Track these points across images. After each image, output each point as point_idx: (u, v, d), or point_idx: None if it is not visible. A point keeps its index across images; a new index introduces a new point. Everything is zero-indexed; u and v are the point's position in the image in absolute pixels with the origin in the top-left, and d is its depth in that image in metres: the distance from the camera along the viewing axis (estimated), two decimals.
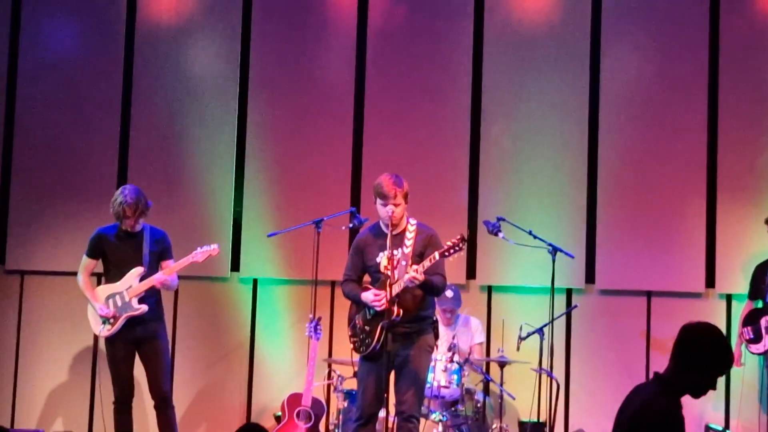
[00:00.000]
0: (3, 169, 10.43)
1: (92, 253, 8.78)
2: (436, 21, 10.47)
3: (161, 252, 8.69)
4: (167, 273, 8.54)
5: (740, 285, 9.64)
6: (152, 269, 8.59)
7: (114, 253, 8.69)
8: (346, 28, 10.48)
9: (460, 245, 7.67)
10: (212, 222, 10.11)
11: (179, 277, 8.88)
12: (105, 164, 10.40)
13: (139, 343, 8.62)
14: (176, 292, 8.95)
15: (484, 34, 10.38)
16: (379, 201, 7.78)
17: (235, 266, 10.22)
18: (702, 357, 4.84)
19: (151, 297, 8.62)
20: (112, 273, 8.69)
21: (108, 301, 8.55)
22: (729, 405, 9.97)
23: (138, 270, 8.54)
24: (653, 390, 4.95)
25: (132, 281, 8.55)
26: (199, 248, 8.68)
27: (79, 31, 10.64)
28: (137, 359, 8.68)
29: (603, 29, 10.32)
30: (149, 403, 8.73)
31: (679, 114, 10.22)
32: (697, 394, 4.96)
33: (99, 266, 8.82)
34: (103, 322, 8.56)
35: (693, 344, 4.89)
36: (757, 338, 9.13)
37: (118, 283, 8.60)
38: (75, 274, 10.03)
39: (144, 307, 8.49)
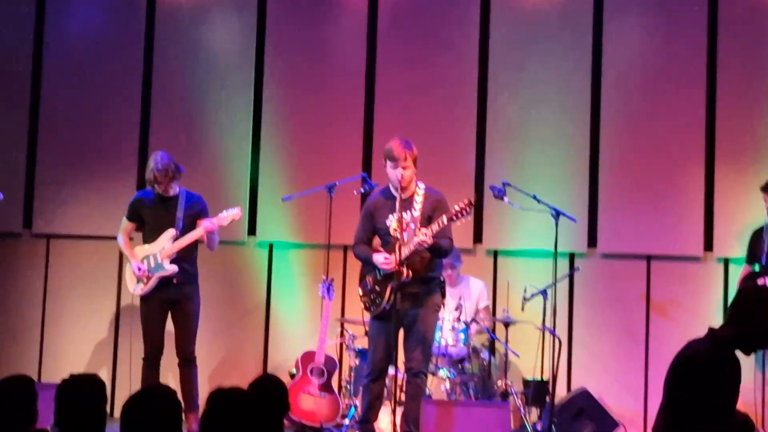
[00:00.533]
0: (30, 136, 10.43)
1: (130, 216, 8.90)
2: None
3: (196, 214, 8.74)
4: (180, 244, 8.59)
5: (737, 249, 9.63)
6: (186, 232, 8.65)
7: (150, 216, 8.80)
8: (358, 6, 10.45)
9: (468, 210, 7.70)
10: (230, 187, 10.14)
11: (198, 243, 8.91)
12: (127, 132, 10.41)
13: (173, 304, 8.72)
14: (195, 257, 8.97)
15: (491, 8, 10.33)
16: (389, 164, 7.81)
17: (252, 230, 10.25)
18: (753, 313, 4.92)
19: (186, 260, 8.71)
20: (148, 235, 8.82)
21: (143, 261, 8.64)
22: None
23: (170, 232, 8.63)
24: (704, 343, 4.99)
25: (165, 243, 8.64)
26: (225, 211, 8.75)
27: (103, 5, 10.61)
28: (169, 319, 8.77)
29: (605, 6, 10.26)
30: (173, 360, 8.78)
31: (678, 82, 10.19)
32: (747, 349, 4.98)
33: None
34: (138, 281, 8.67)
35: (745, 302, 4.88)
36: None
37: (152, 244, 8.69)
38: (98, 238, 10.21)
39: (174, 268, 8.59)
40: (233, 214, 8.78)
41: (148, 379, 8.56)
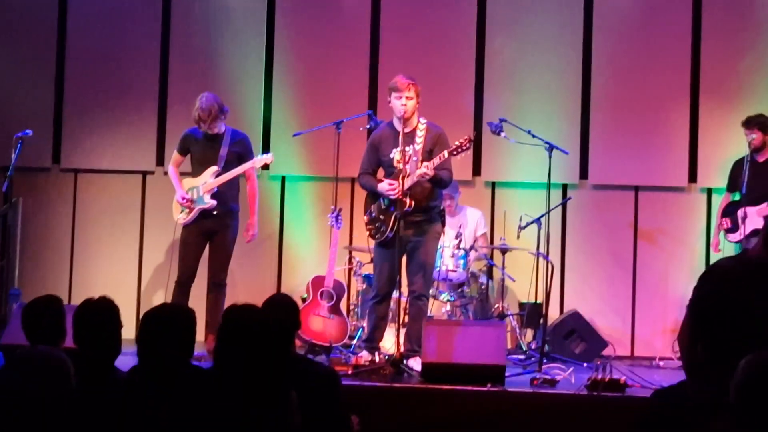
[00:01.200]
0: (57, 77, 10.44)
1: (180, 149, 9.00)
2: None
3: (240, 153, 8.84)
4: (220, 180, 8.71)
5: (720, 180, 9.65)
6: (229, 168, 8.75)
7: (196, 151, 8.90)
8: None
9: (467, 145, 7.81)
10: (244, 125, 10.02)
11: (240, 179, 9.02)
12: (148, 74, 10.40)
13: (211, 234, 8.84)
14: (236, 192, 9.01)
15: None
16: (394, 95, 7.89)
17: (265, 165, 10.29)
18: None
19: (227, 194, 8.81)
20: (195, 169, 8.92)
21: (188, 192, 8.79)
22: None
23: (213, 169, 8.73)
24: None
25: (207, 178, 8.75)
26: (259, 155, 8.93)
27: None
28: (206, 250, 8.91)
29: None
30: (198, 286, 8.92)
31: (665, 25, 10.20)
32: None
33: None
34: (182, 210, 8.82)
35: None
36: (734, 228, 9.16)
37: (197, 178, 8.82)
38: (121, 172, 10.26)
39: (213, 202, 8.71)
40: (265, 158, 8.94)
41: (178, 301, 8.57)
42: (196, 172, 8.87)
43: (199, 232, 8.82)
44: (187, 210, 8.79)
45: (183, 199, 8.75)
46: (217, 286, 8.85)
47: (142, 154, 10.28)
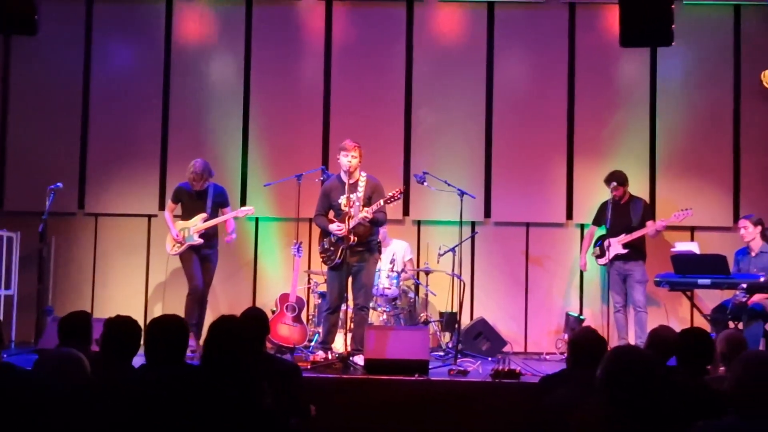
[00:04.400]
0: (81, 142, 10.34)
1: (174, 199, 9.08)
2: (381, 40, 10.43)
3: (220, 203, 8.96)
4: (208, 224, 8.84)
5: (590, 217, 9.67)
6: (213, 215, 8.86)
7: (187, 201, 8.96)
8: (317, 46, 10.41)
9: (398, 196, 7.91)
10: (226, 177, 10.01)
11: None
12: (153, 139, 10.33)
13: (201, 260, 8.89)
14: (216, 233, 9.01)
15: (414, 47, 10.35)
16: (342, 153, 7.94)
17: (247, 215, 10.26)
18: None
19: (210, 235, 8.91)
20: (185, 215, 8.97)
21: (180, 231, 8.85)
22: (582, 298, 10.15)
23: (202, 215, 8.83)
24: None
25: (197, 222, 8.83)
26: (242, 208, 9.15)
27: (133, 49, 10.50)
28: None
29: (495, 44, 10.35)
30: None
31: (547, 97, 10.30)
32: None
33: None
34: (173, 245, 8.89)
35: None
36: (602, 254, 9.21)
37: (188, 221, 8.89)
38: (134, 215, 10.23)
39: (201, 240, 8.81)
40: (247, 210, 9.12)
41: (192, 308, 8.70)
42: (186, 217, 8.94)
43: (194, 255, 8.88)
44: (179, 245, 8.85)
45: (178, 236, 8.82)
46: (202, 299, 8.88)
47: (148, 201, 10.25)
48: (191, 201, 8.91)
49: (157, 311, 9.96)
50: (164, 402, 3.88)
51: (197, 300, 8.78)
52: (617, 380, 3.50)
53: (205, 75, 10.47)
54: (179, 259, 9.00)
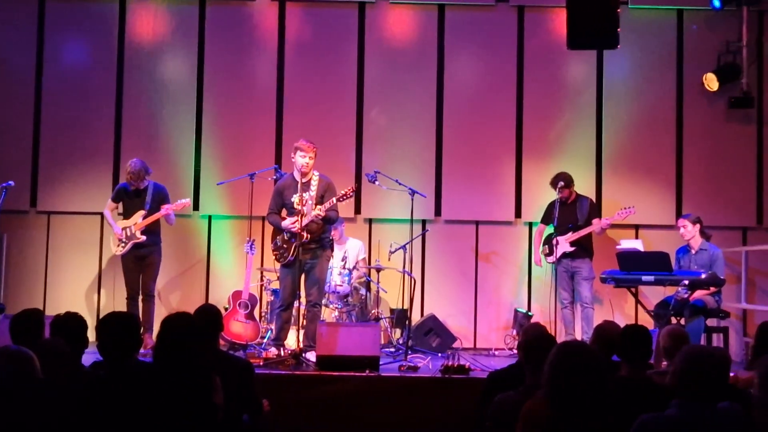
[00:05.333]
0: (33, 139, 10.19)
1: (114, 198, 9.10)
2: (333, 40, 10.40)
3: (160, 200, 8.91)
4: (147, 221, 8.81)
5: (538, 216, 9.75)
6: (152, 212, 8.82)
7: (127, 200, 8.97)
8: (270, 46, 10.37)
9: (350, 194, 7.93)
10: (179, 176, 10.01)
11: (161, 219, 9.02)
12: (105, 136, 10.20)
13: (142, 259, 8.86)
14: (158, 228, 9.02)
15: (366, 47, 10.37)
16: (299, 153, 7.96)
17: (196, 207, 10.13)
18: None
19: (151, 231, 8.89)
20: (126, 213, 8.98)
21: (123, 231, 8.82)
22: (531, 295, 10.21)
23: (141, 213, 8.83)
24: None
25: (137, 219, 8.83)
26: (179, 200, 9.01)
27: (86, 47, 10.35)
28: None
29: (446, 46, 10.38)
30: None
31: (496, 98, 10.34)
32: None
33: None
34: (118, 244, 8.87)
35: None
36: (551, 252, 9.30)
37: (129, 219, 8.88)
38: (87, 213, 10.12)
39: (143, 237, 8.79)
40: (183, 203, 9.03)
41: (131, 311, 8.58)
42: (126, 215, 8.96)
43: (133, 258, 8.89)
44: (123, 244, 8.82)
45: (120, 233, 8.82)
46: (148, 297, 8.87)
47: (100, 199, 10.09)
48: (131, 199, 8.95)
49: (109, 309, 9.73)
50: (116, 398, 3.84)
51: (136, 304, 8.83)
52: (563, 375, 3.53)
53: (158, 74, 10.37)
54: (120, 261, 8.99)
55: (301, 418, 6.82)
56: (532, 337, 4.81)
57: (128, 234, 8.82)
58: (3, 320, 7.97)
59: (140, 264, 8.88)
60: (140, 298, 8.88)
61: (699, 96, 10.30)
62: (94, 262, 10.23)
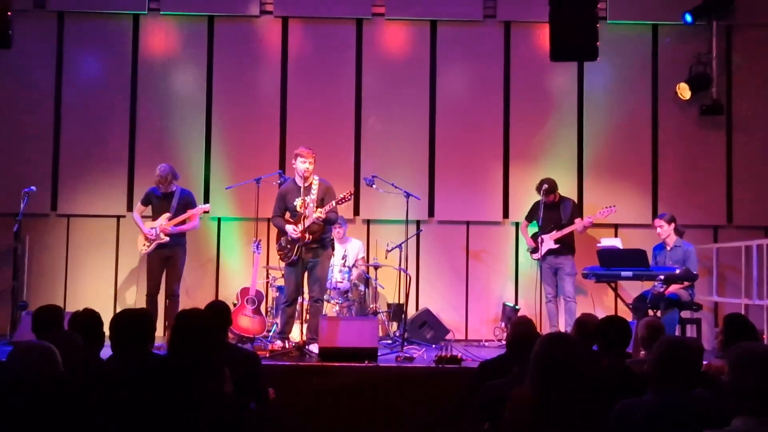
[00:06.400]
0: (54, 147, 10.19)
1: (143, 202, 8.97)
2: (333, 54, 10.40)
3: (186, 204, 8.81)
4: (172, 223, 8.71)
5: (524, 216, 9.76)
6: (178, 214, 8.73)
7: (155, 204, 8.87)
8: (274, 59, 10.39)
9: (348, 198, 7.93)
10: (191, 180, 9.95)
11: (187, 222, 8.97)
12: (121, 144, 10.17)
13: (167, 259, 8.75)
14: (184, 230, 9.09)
15: (363, 60, 10.38)
16: (299, 159, 7.96)
17: (205, 211, 10.16)
18: None
19: (177, 234, 8.76)
20: (154, 215, 8.88)
21: (150, 230, 8.72)
22: (518, 289, 10.23)
23: (167, 215, 8.72)
24: None
25: (163, 221, 8.71)
26: (200, 205, 8.93)
27: (102, 60, 10.35)
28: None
29: (438, 59, 10.39)
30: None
31: (485, 106, 10.35)
32: None
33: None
34: (144, 244, 8.77)
35: None
36: (536, 251, 9.35)
37: (155, 221, 8.78)
38: (104, 216, 10.11)
39: (167, 238, 8.68)
40: (204, 207, 8.95)
41: (150, 309, 8.49)
42: (155, 217, 8.84)
43: (158, 258, 8.75)
44: (149, 243, 8.73)
45: (150, 233, 8.70)
46: (172, 297, 8.74)
47: (116, 203, 10.14)
48: (159, 203, 8.84)
49: (125, 306, 9.81)
50: (131, 389, 3.84)
51: (155, 301, 8.68)
52: (548, 364, 3.54)
53: (169, 86, 10.37)
54: (146, 260, 8.91)
55: (304, 405, 6.83)
56: (518, 331, 4.82)
57: (154, 234, 8.75)
58: (26, 317, 8.00)
59: (164, 263, 8.75)
60: (163, 296, 8.77)
61: (672, 104, 10.34)
62: (111, 262, 10.21)
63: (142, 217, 8.96)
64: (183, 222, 8.78)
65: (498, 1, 10.40)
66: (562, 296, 9.22)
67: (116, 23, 10.40)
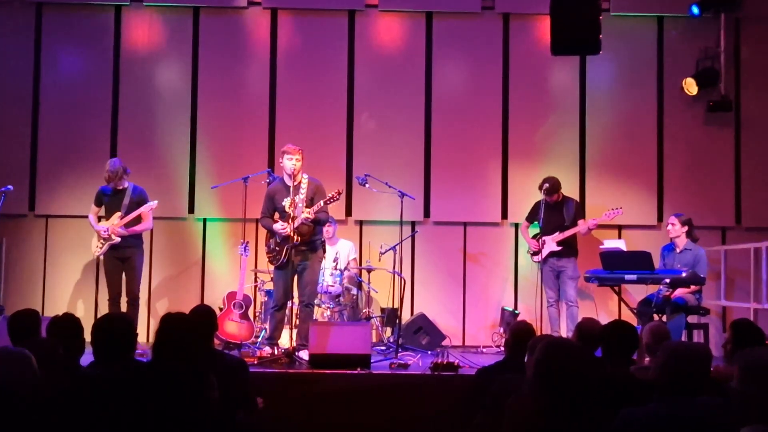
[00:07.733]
0: (32, 146, 10.18)
1: (96, 202, 8.90)
2: (324, 47, 10.40)
3: (138, 202, 8.72)
4: (122, 222, 8.64)
5: (523, 217, 9.75)
6: (130, 212, 8.65)
7: (107, 203, 8.80)
8: (262, 53, 10.39)
9: (337, 197, 7.93)
10: (175, 180, 10.02)
11: (154, 218, 8.99)
12: (101, 142, 10.16)
13: (123, 260, 8.68)
14: (151, 231, 9.03)
15: (356, 53, 10.38)
16: (286, 157, 7.96)
17: (191, 210, 10.14)
18: None
19: (129, 234, 8.68)
20: (106, 214, 8.82)
21: (102, 227, 8.67)
22: (517, 293, 10.23)
23: (118, 214, 8.65)
24: None
25: (114, 220, 8.65)
26: (149, 202, 8.77)
27: (82, 54, 10.32)
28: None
29: (433, 52, 10.39)
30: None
31: (483, 101, 10.35)
32: None
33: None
34: (96, 246, 8.74)
35: None
36: (537, 253, 9.35)
37: (107, 221, 8.71)
38: (84, 217, 9.97)
39: (118, 239, 8.61)
40: (152, 204, 8.77)
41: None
42: (107, 216, 8.81)
43: (114, 260, 8.69)
44: (102, 243, 8.68)
45: (105, 232, 8.62)
46: (133, 300, 8.67)
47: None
48: (110, 201, 8.80)
49: (106, 310, 9.77)
50: (113, 397, 3.83)
51: (118, 306, 8.62)
52: (549, 371, 3.54)
53: (153, 80, 10.36)
54: (102, 264, 8.88)
55: (294, 414, 6.78)
56: (518, 336, 4.82)
57: (107, 233, 8.68)
58: (2, 321, 7.96)
59: (122, 265, 8.69)
60: (125, 301, 8.70)
61: (678, 100, 10.35)
62: (92, 264, 10.18)
63: (99, 218, 8.98)
64: (135, 221, 8.73)
65: None
66: (564, 300, 9.22)
67: (97, 15, 10.38)
